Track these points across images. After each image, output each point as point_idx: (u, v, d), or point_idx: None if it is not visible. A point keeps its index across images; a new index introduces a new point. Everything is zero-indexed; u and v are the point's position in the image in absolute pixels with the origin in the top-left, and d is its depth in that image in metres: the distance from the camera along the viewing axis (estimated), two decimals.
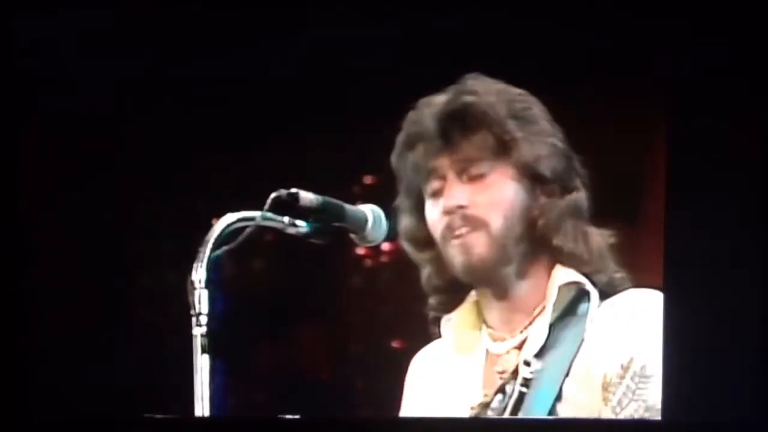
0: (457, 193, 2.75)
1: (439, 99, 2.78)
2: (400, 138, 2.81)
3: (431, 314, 2.88)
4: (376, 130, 2.87)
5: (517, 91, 2.77)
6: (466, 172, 2.75)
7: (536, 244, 2.76)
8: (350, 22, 2.95)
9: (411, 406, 2.93)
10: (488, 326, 2.84)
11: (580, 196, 2.77)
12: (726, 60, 2.79)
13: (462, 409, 2.84)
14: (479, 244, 2.75)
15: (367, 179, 2.96)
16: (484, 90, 2.76)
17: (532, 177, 2.74)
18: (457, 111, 2.74)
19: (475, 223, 2.75)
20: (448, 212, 2.76)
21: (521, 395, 2.72)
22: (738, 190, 2.84)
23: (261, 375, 3.10)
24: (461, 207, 2.74)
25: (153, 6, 2.95)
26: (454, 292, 2.86)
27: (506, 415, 2.72)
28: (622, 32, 2.85)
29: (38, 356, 3.05)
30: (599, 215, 2.78)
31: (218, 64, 2.98)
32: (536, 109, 2.76)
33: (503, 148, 2.73)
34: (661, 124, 2.85)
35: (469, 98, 2.74)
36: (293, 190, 2.59)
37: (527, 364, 2.72)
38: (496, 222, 2.74)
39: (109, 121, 3.01)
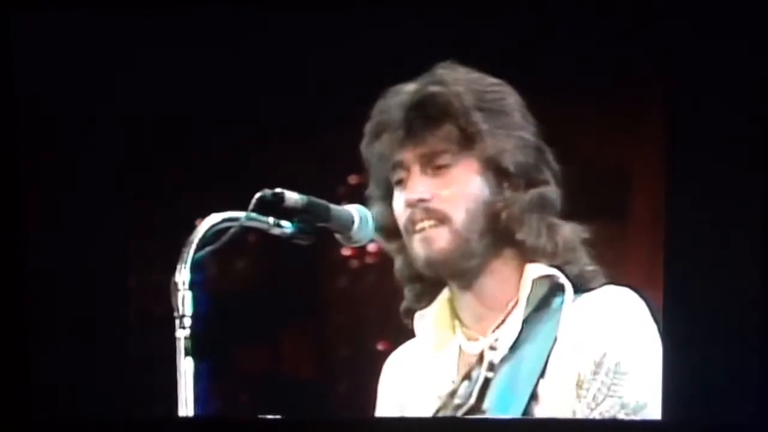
0: (420, 185, 2.72)
1: (408, 88, 2.75)
2: (368, 127, 2.78)
3: (404, 305, 2.84)
4: (363, 129, 2.82)
5: (492, 80, 2.74)
6: (430, 164, 2.72)
7: (501, 238, 2.74)
8: (336, 22, 2.96)
9: (385, 409, 2.90)
10: (462, 324, 2.81)
11: (547, 190, 2.73)
12: (725, 56, 2.80)
13: (433, 404, 2.78)
14: (441, 239, 2.71)
15: (353, 179, 2.94)
16: (453, 80, 2.73)
17: (496, 170, 2.71)
18: (421, 101, 2.71)
19: (437, 217, 2.71)
20: (410, 205, 2.72)
21: (486, 381, 2.66)
22: (738, 190, 2.84)
23: (246, 377, 3.10)
24: (423, 200, 2.71)
25: (142, 8, 2.98)
26: (426, 284, 2.82)
27: (472, 401, 2.66)
28: (619, 28, 2.85)
29: (29, 357, 3.07)
30: (576, 210, 2.75)
31: (206, 64, 2.98)
32: (510, 99, 2.74)
33: (468, 141, 2.70)
34: (653, 118, 2.85)
35: (434, 88, 2.71)
36: (278, 190, 2.55)
37: (493, 348, 2.68)
38: (459, 216, 2.70)
39: (98, 122, 3.03)
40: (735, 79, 2.78)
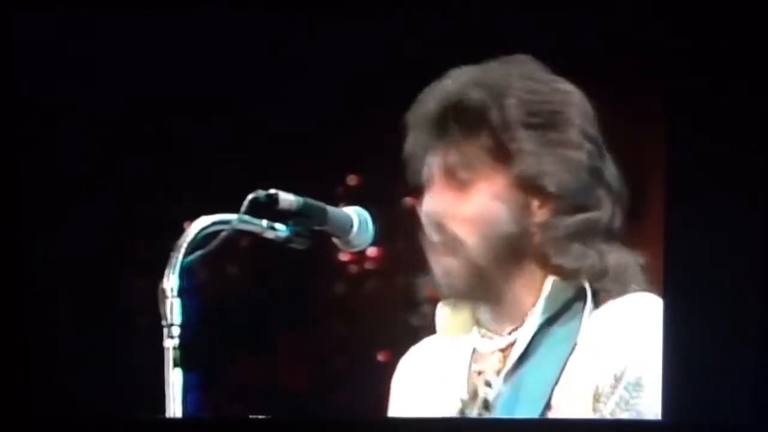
0: (439, 198, 2.67)
1: (453, 82, 2.67)
2: (409, 113, 2.72)
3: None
4: (361, 127, 2.82)
5: (558, 87, 2.67)
6: (454, 175, 2.66)
7: (530, 260, 2.67)
8: (332, 20, 2.92)
9: (397, 408, 2.86)
10: (480, 324, 2.76)
11: (597, 215, 2.66)
12: (726, 59, 2.78)
13: (441, 410, 2.78)
14: (455, 267, 2.67)
15: (352, 179, 2.90)
16: (505, 85, 2.64)
17: (531, 191, 2.63)
18: (459, 105, 2.64)
19: (450, 240, 2.65)
20: (427, 217, 2.69)
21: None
22: (738, 192, 2.81)
23: (238, 389, 3.04)
24: (438, 216, 2.67)
25: (142, 8, 2.96)
26: None
27: None
28: (620, 30, 2.83)
29: (29, 358, 3.05)
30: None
31: (204, 64, 2.96)
32: (571, 112, 2.65)
33: (502, 157, 2.63)
34: (653, 119, 2.82)
35: (476, 94, 2.64)
36: (272, 191, 2.50)
37: (488, 385, 2.66)
38: (473, 241, 2.64)
39: (87, 123, 3.01)
40: (735, 80, 2.78)
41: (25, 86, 3.00)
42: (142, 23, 2.95)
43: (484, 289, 2.67)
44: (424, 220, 2.69)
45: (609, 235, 2.66)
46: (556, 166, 2.61)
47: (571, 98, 2.64)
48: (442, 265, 2.67)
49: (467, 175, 2.64)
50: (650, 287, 2.67)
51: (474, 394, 2.66)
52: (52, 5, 3.00)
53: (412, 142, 2.69)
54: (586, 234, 2.64)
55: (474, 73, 2.64)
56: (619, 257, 2.64)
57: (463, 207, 2.65)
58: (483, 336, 2.73)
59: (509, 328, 2.69)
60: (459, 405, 2.70)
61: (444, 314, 2.76)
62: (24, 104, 3.00)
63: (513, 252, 2.65)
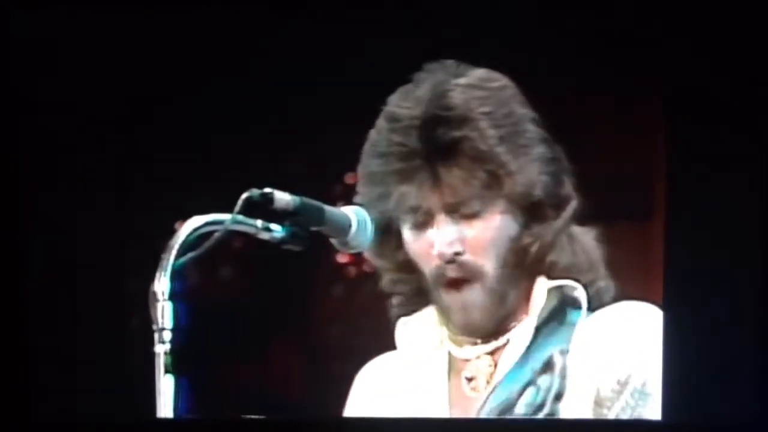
0: (450, 235, 2.69)
1: (414, 113, 2.69)
2: (379, 163, 2.74)
3: (394, 314, 2.84)
4: (359, 125, 2.78)
5: (493, 84, 2.70)
6: (458, 212, 2.69)
7: (529, 269, 2.72)
8: (328, 16, 2.93)
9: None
10: (451, 330, 2.78)
11: (574, 204, 2.72)
12: (725, 60, 2.80)
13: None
14: (478, 301, 2.71)
15: (350, 178, 2.85)
16: (467, 108, 2.67)
17: (526, 206, 2.69)
18: (449, 149, 2.66)
19: (471, 272, 2.70)
20: (442, 257, 2.69)
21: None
22: (738, 192, 2.84)
23: (231, 396, 3.03)
24: (458, 254, 2.69)
25: (142, 8, 2.98)
26: (416, 296, 2.82)
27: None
28: (621, 30, 2.84)
29: (29, 360, 3.07)
30: (586, 215, 2.77)
31: (202, 64, 2.97)
32: (515, 105, 2.69)
33: (497, 182, 2.67)
34: (659, 127, 2.84)
35: (458, 133, 2.66)
36: (267, 190, 2.43)
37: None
38: (491, 268, 2.69)
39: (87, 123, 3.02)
40: (735, 80, 2.80)
41: (25, 86, 3.00)
42: (141, 23, 2.96)
43: (499, 313, 2.70)
44: (436, 258, 2.70)
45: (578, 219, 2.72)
46: (534, 171, 2.67)
47: (508, 91, 2.69)
48: (461, 300, 2.70)
49: (471, 209, 2.67)
50: (612, 275, 2.72)
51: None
52: (52, 5, 3.02)
53: (401, 195, 2.70)
54: (569, 226, 2.70)
55: (434, 107, 2.66)
56: (584, 238, 2.70)
57: (477, 234, 2.68)
58: (462, 344, 2.75)
59: (494, 333, 2.72)
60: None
61: (410, 331, 2.79)
62: (24, 104, 3.01)
63: (519, 267, 2.70)
